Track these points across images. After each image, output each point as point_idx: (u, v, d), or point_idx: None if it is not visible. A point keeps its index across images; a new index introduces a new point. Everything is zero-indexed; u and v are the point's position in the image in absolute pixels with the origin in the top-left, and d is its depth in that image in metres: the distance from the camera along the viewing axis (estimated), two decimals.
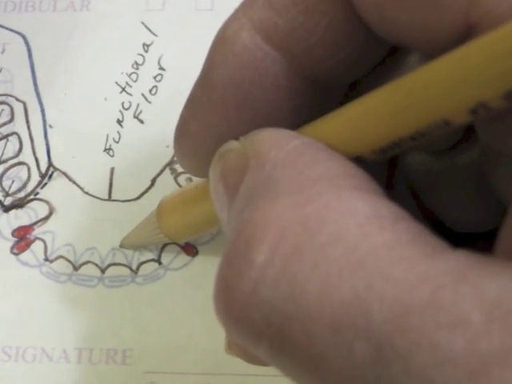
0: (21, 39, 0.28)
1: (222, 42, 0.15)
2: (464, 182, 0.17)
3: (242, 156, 0.14)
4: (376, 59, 0.16)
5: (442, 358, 0.10)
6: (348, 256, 0.11)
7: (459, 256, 0.11)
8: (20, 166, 0.26)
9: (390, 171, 0.18)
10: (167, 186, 0.25)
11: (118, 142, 0.26)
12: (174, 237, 0.22)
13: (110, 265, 0.24)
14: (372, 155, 0.14)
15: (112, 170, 0.26)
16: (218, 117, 0.16)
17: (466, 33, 0.12)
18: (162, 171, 0.25)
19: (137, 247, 0.24)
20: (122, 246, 0.24)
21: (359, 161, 0.14)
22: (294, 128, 0.15)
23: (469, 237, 0.18)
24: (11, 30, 0.28)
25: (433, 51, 0.13)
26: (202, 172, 0.17)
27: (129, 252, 0.24)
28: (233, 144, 0.15)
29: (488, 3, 0.12)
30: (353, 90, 0.17)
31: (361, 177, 0.13)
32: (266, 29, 0.14)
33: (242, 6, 0.15)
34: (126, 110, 0.27)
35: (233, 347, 0.18)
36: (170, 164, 0.25)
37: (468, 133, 0.16)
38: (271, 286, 0.12)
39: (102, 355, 0.23)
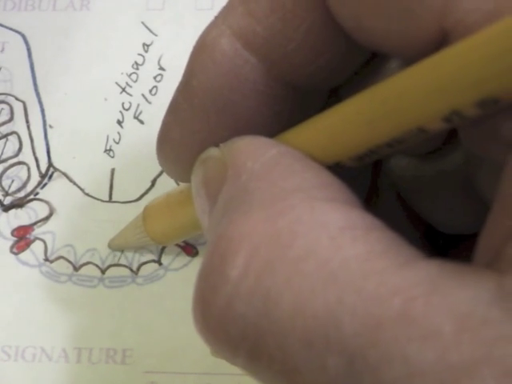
0: (20, 38, 0.28)
1: (201, 49, 0.15)
2: (449, 184, 0.17)
3: (222, 165, 0.15)
4: (356, 65, 0.16)
5: (413, 371, 0.10)
6: (320, 270, 0.11)
7: (431, 266, 0.11)
8: (20, 166, 0.26)
9: (374, 175, 0.18)
10: (167, 187, 0.25)
11: (118, 143, 0.26)
12: (160, 240, 0.22)
13: (110, 265, 0.24)
14: (350, 162, 0.14)
15: (112, 171, 0.26)
16: (199, 123, 0.16)
17: (442, 40, 0.12)
18: (162, 172, 0.25)
19: (124, 249, 0.24)
20: (109, 246, 0.24)
21: (340, 167, 0.14)
22: (275, 133, 0.15)
23: (457, 238, 0.18)
24: (11, 29, 0.28)
25: (411, 58, 0.13)
26: (186, 177, 0.17)
27: (129, 253, 0.24)
28: (213, 151, 0.15)
29: (460, 12, 0.12)
30: (334, 95, 0.17)
31: (336, 187, 0.13)
32: (245, 35, 0.15)
33: (221, 13, 0.15)
34: (127, 110, 0.27)
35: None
36: None
37: (451, 135, 0.16)
38: (245, 301, 0.12)
39: (102, 355, 0.23)
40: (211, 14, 0.27)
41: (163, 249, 0.24)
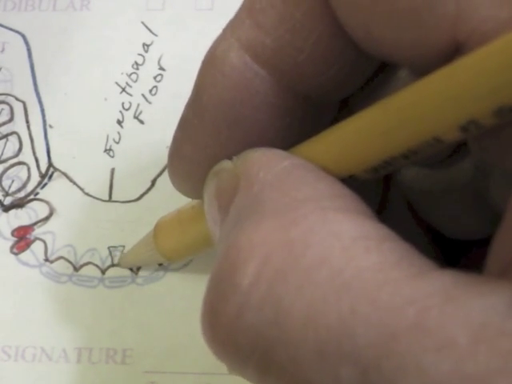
0: (20, 38, 0.28)
1: (211, 63, 0.15)
2: (459, 192, 0.17)
3: (234, 176, 0.15)
4: (366, 75, 0.16)
5: (429, 382, 0.10)
6: (333, 280, 0.11)
7: (446, 276, 0.11)
8: (20, 166, 0.26)
9: (385, 184, 0.18)
10: (167, 187, 0.25)
11: (118, 143, 0.26)
12: (171, 257, 0.22)
13: (110, 266, 0.24)
14: (364, 174, 0.14)
15: (112, 171, 0.26)
16: (210, 138, 0.16)
17: (455, 50, 0.12)
18: (162, 172, 0.25)
19: (134, 266, 0.24)
20: (119, 265, 0.24)
21: (354, 179, 0.14)
22: (286, 145, 0.15)
23: (466, 244, 0.18)
24: (11, 29, 0.28)
25: (421, 68, 0.13)
26: (197, 194, 0.17)
27: None
28: (225, 164, 0.15)
29: (474, 21, 0.12)
30: (345, 106, 0.17)
31: (348, 198, 0.13)
32: (254, 48, 0.14)
33: (229, 25, 0.15)
34: (126, 110, 0.27)
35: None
36: None
37: (460, 144, 0.16)
38: (256, 311, 0.12)
39: (102, 355, 0.23)
40: (211, 14, 0.28)
41: None
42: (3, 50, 0.28)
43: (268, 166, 0.14)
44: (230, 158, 0.15)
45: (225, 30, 0.15)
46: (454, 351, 0.10)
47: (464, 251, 0.18)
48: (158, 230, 0.22)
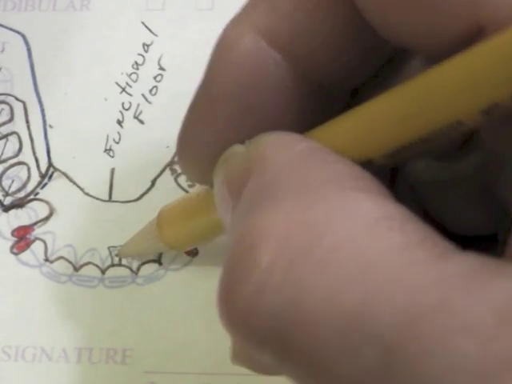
0: (20, 38, 0.28)
1: (224, 47, 0.15)
2: (466, 187, 0.17)
3: (247, 159, 0.14)
4: (379, 62, 0.16)
5: (454, 363, 0.10)
6: (356, 259, 0.11)
7: (469, 258, 0.11)
8: (20, 166, 0.26)
9: (392, 176, 0.18)
10: (168, 187, 0.25)
11: (118, 143, 0.26)
12: (175, 246, 0.22)
13: (110, 266, 0.24)
14: (382, 160, 0.14)
15: (112, 171, 0.26)
16: (222, 122, 0.15)
17: (474, 34, 0.12)
18: (162, 172, 0.25)
19: (134, 256, 0.24)
20: (118, 255, 0.24)
21: (366, 167, 0.14)
22: (298, 132, 0.15)
23: (471, 239, 0.18)
24: (11, 29, 0.28)
25: (438, 54, 0.13)
26: (206, 179, 0.17)
27: None
28: (237, 148, 0.15)
29: (494, 5, 0.12)
30: (357, 93, 0.17)
31: (368, 179, 0.13)
32: (269, 33, 0.14)
33: (243, 9, 0.15)
34: (126, 110, 0.27)
35: (239, 357, 0.17)
36: (170, 164, 0.25)
37: (470, 138, 0.16)
38: (275, 291, 0.11)
39: (102, 355, 0.23)
40: (211, 14, 0.28)
41: None
42: (3, 50, 0.28)
43: (284, 148, 0.14)
44: (241, 142, 0.15)
45: (238, 14, 0.15)
46: (479, 332, 0.10)
47: (469, 247, 0.18)
48: (162, 217, 0.21)
